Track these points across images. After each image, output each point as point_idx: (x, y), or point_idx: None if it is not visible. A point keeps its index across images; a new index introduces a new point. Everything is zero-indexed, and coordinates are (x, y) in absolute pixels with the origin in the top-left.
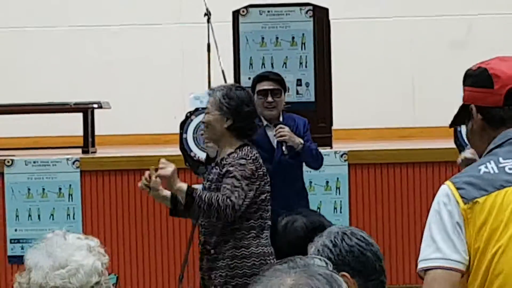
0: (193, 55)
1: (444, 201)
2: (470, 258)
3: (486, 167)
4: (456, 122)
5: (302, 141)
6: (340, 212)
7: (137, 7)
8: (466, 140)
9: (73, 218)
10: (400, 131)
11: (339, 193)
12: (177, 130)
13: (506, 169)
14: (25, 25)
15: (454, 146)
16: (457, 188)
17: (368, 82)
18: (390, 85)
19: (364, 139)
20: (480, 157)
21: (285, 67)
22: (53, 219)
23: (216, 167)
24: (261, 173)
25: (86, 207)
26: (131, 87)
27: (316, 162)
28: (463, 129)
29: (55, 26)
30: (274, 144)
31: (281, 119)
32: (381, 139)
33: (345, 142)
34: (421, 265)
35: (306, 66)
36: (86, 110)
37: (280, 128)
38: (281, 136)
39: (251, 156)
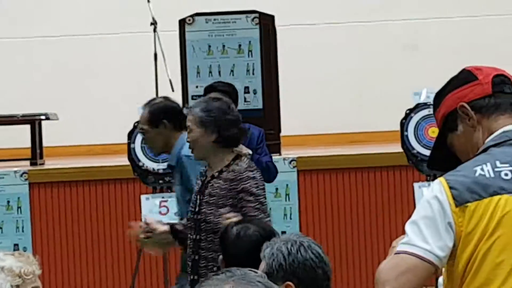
0: (140, 64)
1: (438, 197)
2: (455, 259)
3: (482, 169)
4: (436, 156)
5: (249, 152)
6: (290, 218)
7: (85, 17)
8: (412, 144)
9: (22, 231)
10: (349, 136)
11: (289, 200)
12: (125, 140)
13: (502, 174)
14: None
15: (401, 150)
16: (450, 187)
17: (316, 87)
18: (338, 91)
19: (313, 145)
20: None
21: (233, 74)
22: (2, 232)
23: (216, 180)
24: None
25: (35, 219)
26: (79, 97)
27: (267, 175)
28: (410, 133)
29: (1, 37)
30: None
31: None
32: (331, 145)
33: (294, 148)
34: (404, 247)
35: (253, 73)
36: (34, 122)
37: None
38: None
39: (253, 166)
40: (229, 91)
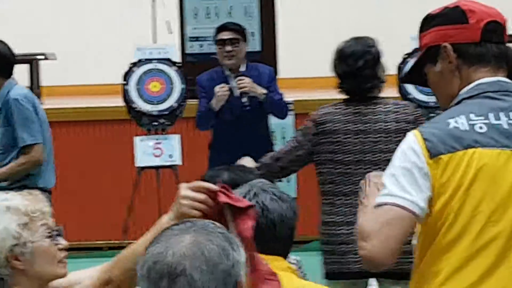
0: (139, 6)
1: (413, 148)
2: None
3: (456, 121)
4: (413, 74)
5: (264, 91)
6: None
7: None
8: (408, 89)
9: None
10: None
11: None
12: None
13: (477, 127)
14: None
15: (398, 95)
16: (424, 139)
17: (314, 31)
18: (338, 33)
19: (311, 88)
20: (444, 109)
21: (230, 16)
22: None
23: None
24: None
25: None
26: (78, 38)
27: (281, 112)
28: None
29: None
30: (236, 93)
31: (243, 69)
32: (329, 88)
33: (292, 91)
34: (385, 199)
35: (251, 16)
36: (32, 61)
37: (240, 79)
38: (242, 87)
39: None
40: (240, 29)
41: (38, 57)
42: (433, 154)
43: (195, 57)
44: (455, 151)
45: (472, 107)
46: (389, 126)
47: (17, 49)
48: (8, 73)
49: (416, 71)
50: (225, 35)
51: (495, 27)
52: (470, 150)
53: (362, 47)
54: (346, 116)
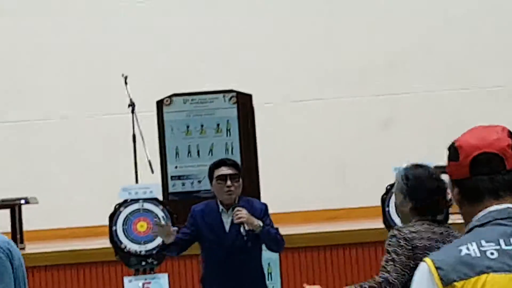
0: (120, 146)
1: (428, 277)
2: None
3: (468, 248)
4: None
5: (261, 223)
6: None
7: (65, 100)
8: (394, 219)
9: None
10: (328, 213)
11: (271, 279)
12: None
13: (488, 253)
14: None
15: (383, 226)
16: (437, 268)
17: (294, 164)
18: (317, 167)
19: (292, 223)
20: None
21: (211, 154)
22: None
23: None
24: None
25: None
26: (60, 180)
27: (277, 245)
28: (391, 209)
29: None
30: (227, 229)
31: (236, 202)
32: (310, 222)
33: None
34: None
35: (232, 153)
36: (14, 206)
37: (238, 210)
38: (240, 218)
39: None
40: (237, 165)
41: (20, 202)
42: (445, 282)
43: (178, 195)
44: (467, 278)
45: (483, 234)
46: None
47: None
48: None
49: None
50: (225, 171)
51: (485, 159)
52: (483, 276)
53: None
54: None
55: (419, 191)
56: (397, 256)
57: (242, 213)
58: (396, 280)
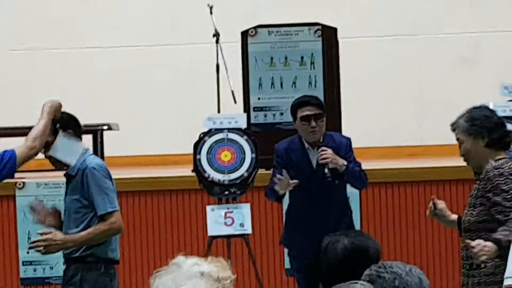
0: (202, 76)
1: None
2: None
3: None
4: None
5: (345, 163)
6: None
7: (149, 28)
8: None
9: None
10: (407, 149)
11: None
12: (186, 151)
13: None
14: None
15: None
16: None
17: (376, 100)
18: (397, 103)
19: (371, 158)
20: None
21: (295, 87)
22: None
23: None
24: None
25: None
26: (140, 108)
27: (361, 183)
28: None
29: (61, 47)
30: (314, 166)
31: (321, 140)
32: (388, 158)
33: None
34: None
35: (315, 86)
36: (96, 132)
37: (323, 150)
38: (324, 158)
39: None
40: (321, 104)
41: (102, 127)
42: None
43: (260, 126)
44: None
45: None
46: None
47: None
48: (81, 134)
49: None
50: (309, 111)
51: None
52: None
53: None
54: None
55: (488, 124)
56: None
57: (327, 153)
58: None
